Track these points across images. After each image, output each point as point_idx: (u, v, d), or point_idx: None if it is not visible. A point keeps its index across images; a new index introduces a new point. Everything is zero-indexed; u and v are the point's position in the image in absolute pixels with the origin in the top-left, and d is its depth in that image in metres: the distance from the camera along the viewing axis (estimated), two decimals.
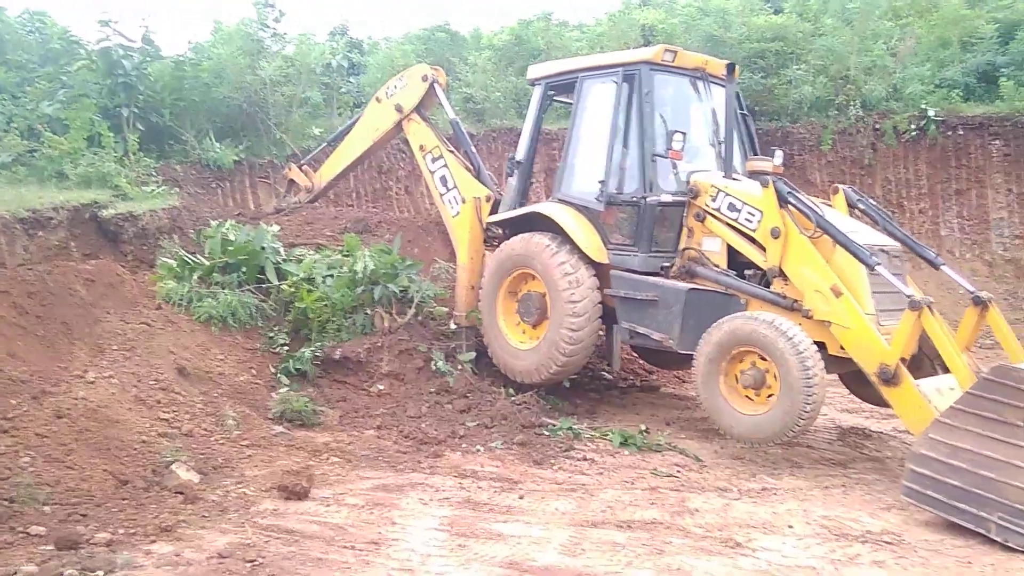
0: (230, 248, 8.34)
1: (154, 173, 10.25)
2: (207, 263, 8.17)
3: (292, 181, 11.01)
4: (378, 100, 9.96)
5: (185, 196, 10.27)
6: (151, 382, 6.51)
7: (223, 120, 12.17)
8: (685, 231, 7.29)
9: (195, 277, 7.99)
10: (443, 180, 9.16)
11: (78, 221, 8.44)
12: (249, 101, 12.17)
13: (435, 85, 9.45)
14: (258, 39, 12.62)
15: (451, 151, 9.31)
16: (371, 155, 11.05)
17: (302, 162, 11.04)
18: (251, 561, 4.43)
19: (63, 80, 10.73)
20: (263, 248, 8.48)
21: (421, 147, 9.48)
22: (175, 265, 8.06)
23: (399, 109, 9.60)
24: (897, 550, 4.83)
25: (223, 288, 8.04)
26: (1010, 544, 4.76)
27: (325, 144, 10.94)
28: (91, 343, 6.64)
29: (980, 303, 6.35)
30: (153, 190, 9.64)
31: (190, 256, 8.15)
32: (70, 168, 9.41)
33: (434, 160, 9.29)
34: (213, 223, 9.08)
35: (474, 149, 9.42)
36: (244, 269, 8.27)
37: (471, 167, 9.16)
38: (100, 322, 6.93)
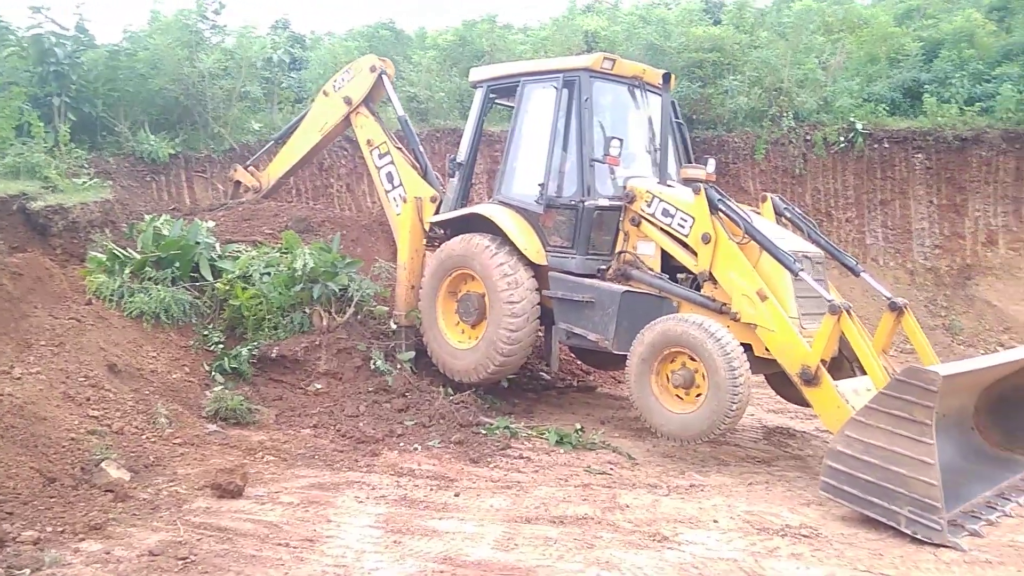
0: (163, 242, 8.18)
1: (86, 165, 9.98)
2: (139, 257, 8.00)
3: (238, 183, 10.84)
4: (325, 94, 9.88)
5: (118, 189, 10.05)
6: (80, 379, 6.40)
7: (159, 112, 11.92)
8: (621, 235, 7.47)
9: (126, 272, 7.83)
10: (389, 176, 9.17)
11: (5, 213, 8.19)
12: (186, 93, 11.95)
13: (383, 76, 9.42)
14: (197, 30, 12.39)
15: (399, 148, 9.32)
16: (319, 151, 10.92)
17: (248, 163, 10.87)
18: (183, 559, 4.41)
19: None
20: (197, 243, 8.35)
21: (368, 142, 9.45)
22: (105, 259, 7.87)
23: (348, 101, 9.52)
24: (814, 543, 5.06)
25: (156, 283, 7.90)
26: (918, 536, 5.01)
27: (272, 143, 10.80)
28: (18, 339, 6.47)
29: (896, 308, 6.67)
30: (84, 182, 9.38)
31: (121, 250, 7.96)
32: None
33: (381, 156, 9.28)
34: (147, 217, 8.91)
35: (421, 148, 9.43)
36: (177, 264, 8.13)
37: (418, 166, 9.18)
38: (27, 317, 6.76)
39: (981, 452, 6.44)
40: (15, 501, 4.79)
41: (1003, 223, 14.96)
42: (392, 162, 9.17)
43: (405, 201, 8.77)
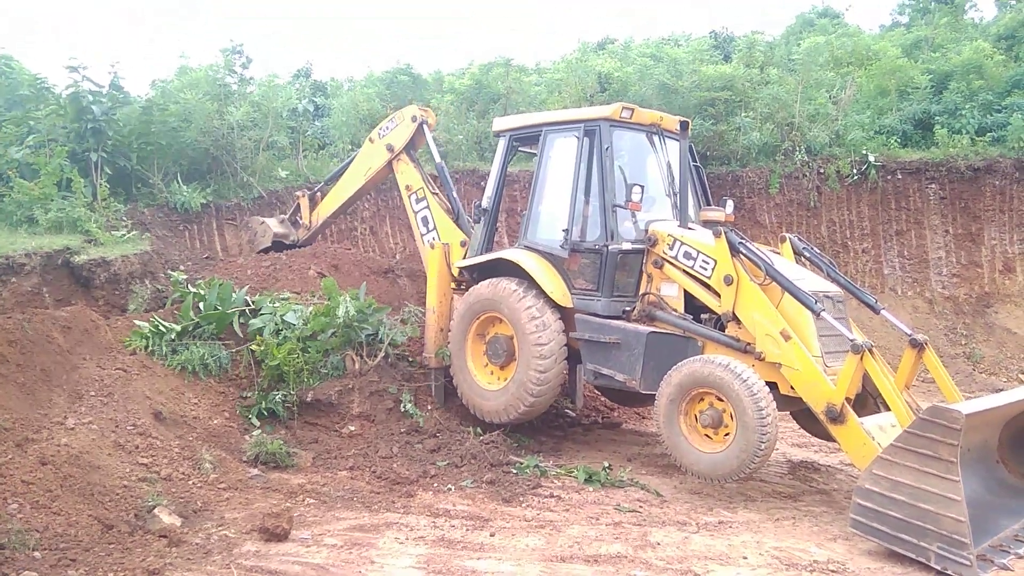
0: (201, 314, 8.45)
1: (123, 217, 10.35)
2: (178, 328, 8.24)
3: (299, 206, 11.25)
4: (371, 141, 10.31)
5: (154, 239, 10.39)
6: (129, 427, 6.66)
7: (190, 163, 12.30)
8: (645, 277, 7.70)
9: (166, 340, 8.11)
10: (424, 221, 9.54)
11: (51, 267, 8.56)
12: (216, 145, 12.35)
13: (424, 125, 9.81)
14: (225, 84, 12.86)
15: (434, 193, 9.65)
16: (364, 194, 11.39)
17: (315, 189, 11.23)
18: None
19: (31, 125, 10.82)
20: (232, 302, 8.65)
21: (407, 187, 9.83)
22: (148, 331, 8.09)
23: (390, 149, 9.93)
24: None
25: (195, 339, 8.23)
26: (948, 572, 5.13)
27: (323, 184, 11.19)
28: (70, 389, 6.77)
29: (917, 345, 6.82)
30: (123, 234, 9.75)
31: (163, 322, 8.22)
32: (40, 213, 9.52)
33: (418, 201, 9.65)
34: (178, 275, 9.18)
35: (455, 194, 9.73)
36: (214, 323, 8.43)
37: (451, 210, 9.50)
38: (77, 368, 7.06)
39: (1006, 485, 6.53)
40: (77, 548, 5.04)
41: (1019, 251, 15.10)
42: (428, 207, 9.51)
43: (433, 248, 9.02)
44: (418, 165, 9.97)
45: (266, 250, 11.22)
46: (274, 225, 11.24)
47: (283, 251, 11.04)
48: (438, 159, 9.83)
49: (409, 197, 9.78)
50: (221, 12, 58.35)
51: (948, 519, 5.16)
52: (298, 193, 11.41)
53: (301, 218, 11.25)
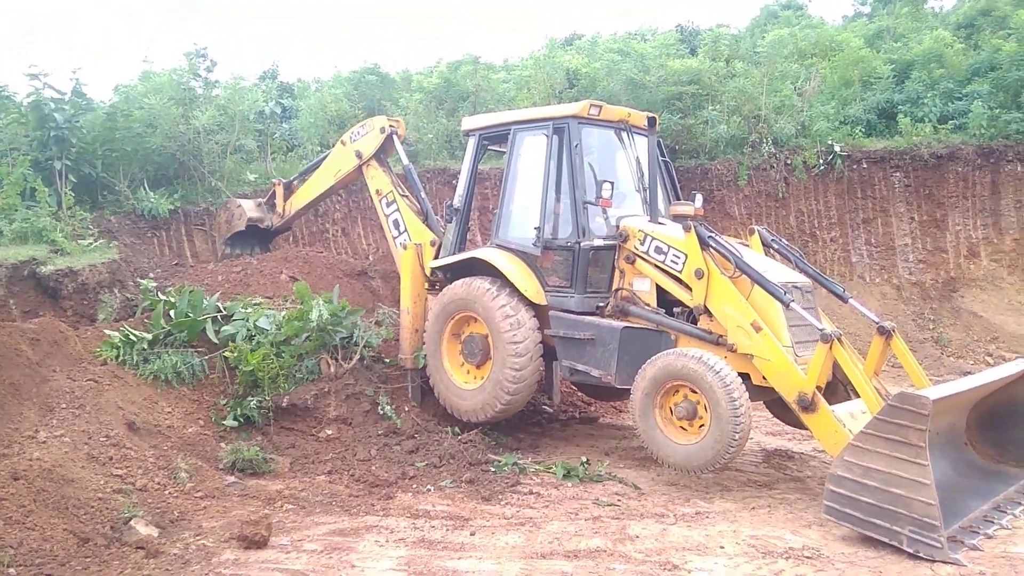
0: (172, 322, 8.37)
1: (89, 226, 10.20)
2: (149, 337, 8.16)
3: (274, 195, 11.32)
4: (343, 144, 10.36)
5: (121, 247, 10.24)
6: (102, 439, 6.57)
7: (156, 169, 12.15)
8: (617, 273, 7.76)
9: (136, 350, 8.03)
10: (396, 223, 9.61)
11: (17, 278, 8.41)
12: (183, 150, 12.19)
13: (394, 136, 9.89)
14: (190, 88, 12.71)
15: (404, 195, 9.72)
16: (335, 192, 11.53)
17: (292, 179, 11.28)
18: None
19: None
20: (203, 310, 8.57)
21: (378, 191, 9.90)
22: (118, 341, 8.00)
23: (359, 155, 10.01)
24: (816, 563, 5.29)
25: (167, 347, 8.16)
26: (920, 555, 5.23)
27: (299, 175, 11.25)
28: (40, 403, 6.66)
29: (884, 332, 6.97)
30: (90, 243, 9.59)
31: (133, 331, 8.13)
32: (4, 224, 9.35)
33: (388, 204, 9.72)
34: (147, 283, 9.11)
35: (423, 195, 9.80)
36: (185, 332, 8.36)
37: (421, 211, 9.56)
38: (48, 381, 6.96)
39: (975, 466, 6.71)
40: (53, 563, 4.97)
41: (983, 236, 15.41)
42: (398, 210, 9.58)
43: (405, 249, 9.02)
44: (388, 169, 10.03)
45: (237, 236, 11.35)
46: (250, 209, 11.28)
47: (253, 244, 11.36)
48: (406, 161, 9.88)
49: (380, 201, 9.84)
50: (221, 12, 57.77)
51: (919, 503, 5.27)
52: (274, 180, 11.48)
53: (273, 206, 11.37)
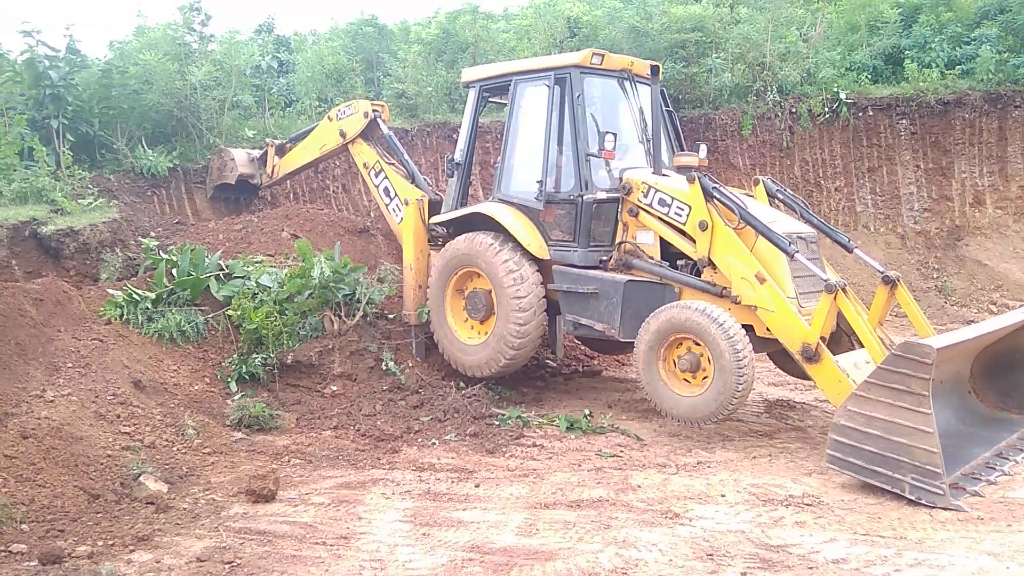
0: (175, 281, 8.37)
1: (89, 185, 10.16)
2: (153, 296, 8.16)
3: (266, 154, 11.34)
4: (329, 119, 10.35)
5: (121, 206, 10.21)
6: (109, 397, 6.63)
7: (153, 126, 12.06)
8: (620, 226, 7.71)
9: (140, 308, 8.04)
10: (386, 191, 9.62)
11: (18, 239, 8.43)
12: (180, 106, 12.07)
13: (378, 120, 9.91)
14: (185, 43, 12.53)
15: (391, 163, 9.77)
16: (320, 163, 11.62)
17: (284, 142, 11.23)
18: (229, 563, 4.66)
19: None
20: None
21: (365, 164, 9.96)
22: (121, 300, 8.00)
23: (342, 135, 10.08)
24: (816, 511, 5.36)
25: (170, 306, 8.17)
26: (922, 501, 5.28)
27: (291, 140, 11.20)
28: (46, 362, 6.71)
29: (889, 282, 6.94)
30: (90, 202, 9.56)
31: (136, 290, 8.14)
32: (4, 184, 9.31)
33: (376, 174, 9.77)
34: (149, 242, 9.12)
35: (408, 158, 9.89)
36: (188, 289, 8.36)
37: (408, 174, 9.64)
38: (53, 341, 7.00)
39: (978, 414, 6.75)
40: (65, 519, 5.05)
41: (989, 183, 15.24)
42: (387, 177, 9.62)
43: (407, 204, 8.98)
44: (372, 143, 10.06)
45: (225, 186, 11.41)
46: (241, 163, 11.29)
47: (240, 194, 11.57)
48: (386, 130, 9.93)
49: (368, 173, 9.90)
50: None
51: (921, 451, 5.30)
52: (268, 140, 11.46)
53: (265, 164, 11.38)
